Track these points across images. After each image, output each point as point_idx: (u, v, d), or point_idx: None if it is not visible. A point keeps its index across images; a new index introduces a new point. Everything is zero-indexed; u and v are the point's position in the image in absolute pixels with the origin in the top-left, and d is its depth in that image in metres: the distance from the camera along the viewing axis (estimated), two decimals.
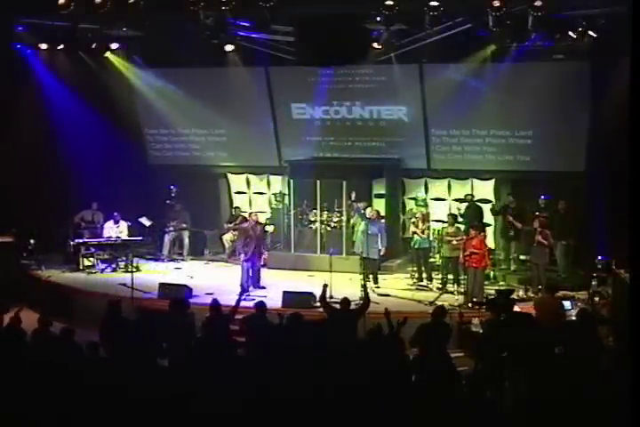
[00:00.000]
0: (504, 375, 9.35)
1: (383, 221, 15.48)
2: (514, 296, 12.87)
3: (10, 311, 10.93)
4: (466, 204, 16.48)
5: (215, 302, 10.49)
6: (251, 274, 14.69)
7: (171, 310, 10.29)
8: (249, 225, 14.94)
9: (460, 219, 15.83)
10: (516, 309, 11.20)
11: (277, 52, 15.66)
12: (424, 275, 15.23)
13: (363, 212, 15.26)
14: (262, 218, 17.63)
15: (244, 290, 13.62)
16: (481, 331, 11.28)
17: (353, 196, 16.08)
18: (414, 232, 15.24)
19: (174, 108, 18.10)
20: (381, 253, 15.01)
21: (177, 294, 13.03)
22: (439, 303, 13.38)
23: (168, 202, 17.86)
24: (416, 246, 15.21)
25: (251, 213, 15.63)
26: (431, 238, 15.41)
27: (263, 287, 14.71)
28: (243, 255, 14.75)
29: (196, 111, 17.91)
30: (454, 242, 14.28)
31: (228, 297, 13.27)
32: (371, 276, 14.86)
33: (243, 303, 13.17)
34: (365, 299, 11.16)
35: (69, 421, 7.53)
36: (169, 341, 9.90)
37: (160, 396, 7.60)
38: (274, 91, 17.53)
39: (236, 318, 10.47)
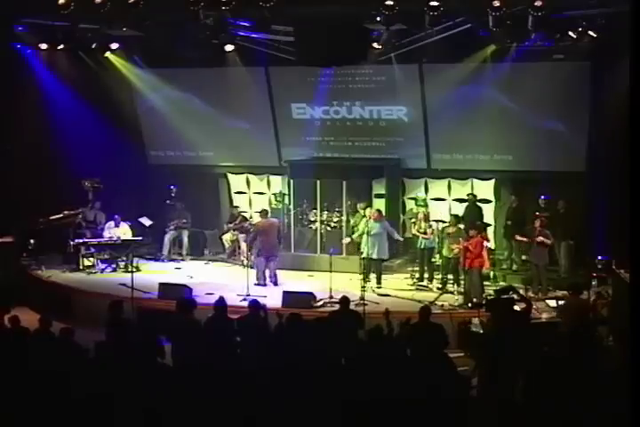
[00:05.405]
0: (503, 375, 9.35)
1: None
2: (513, 295, 12.84)
3: (11, 312, 10.92)
4: (465, 204, 16.50)
5: (221, 301, 10.45)
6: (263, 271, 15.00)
7: (178, 310, 10.22)
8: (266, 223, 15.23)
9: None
10: (516, 308, 11.17)
11: (277, 52, 15.65)
12: (425, 275, 15.22)
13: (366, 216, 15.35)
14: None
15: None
16: (481, 331, 11.28)
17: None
18: (414, 234, 15.25)
19: (174, 107, 18.08)
20: (400, 239, 15.49)
21: (177, 294, 13.00)
22: (439, 303, 13.46)
23: (168, 202, 17.87)
24: (422, 247, 15.17)
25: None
26: (435, 239, 15.40)
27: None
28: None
29: (196, 111, 17.89)
30: (455, 243, 14.25)
31: (228, 297, 13.32)
32: (373, 276, 14.86)
33: (243, 303, 13.30)
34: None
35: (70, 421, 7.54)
36: (173, 340, 9.87)
37: (163, 395, 7.62)
38: (274, 91, 17.53)
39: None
